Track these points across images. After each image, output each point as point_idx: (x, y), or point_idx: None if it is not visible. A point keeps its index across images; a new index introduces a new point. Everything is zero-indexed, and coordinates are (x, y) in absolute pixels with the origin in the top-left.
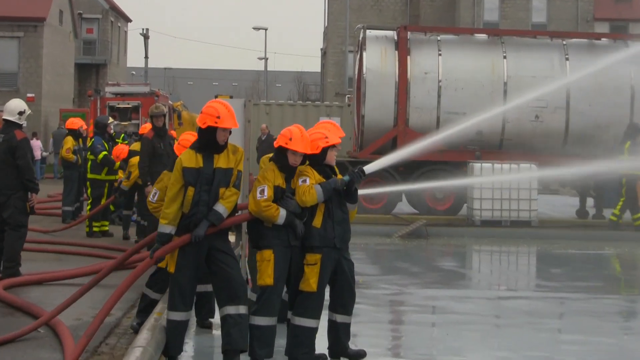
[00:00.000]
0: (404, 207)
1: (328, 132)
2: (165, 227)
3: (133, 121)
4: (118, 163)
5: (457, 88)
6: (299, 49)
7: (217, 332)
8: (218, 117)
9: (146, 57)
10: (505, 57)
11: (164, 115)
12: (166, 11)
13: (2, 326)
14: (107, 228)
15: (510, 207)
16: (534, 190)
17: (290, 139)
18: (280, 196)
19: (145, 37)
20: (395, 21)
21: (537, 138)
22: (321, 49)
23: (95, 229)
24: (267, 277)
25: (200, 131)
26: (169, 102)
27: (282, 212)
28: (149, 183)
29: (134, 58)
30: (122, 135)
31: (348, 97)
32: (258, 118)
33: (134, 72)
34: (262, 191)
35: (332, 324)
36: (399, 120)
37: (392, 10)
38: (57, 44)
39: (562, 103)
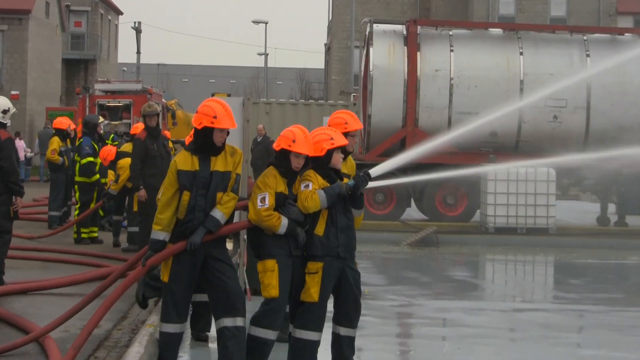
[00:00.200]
0: (412, 213)
1: (334, 132)
2: (159, 233)
3: (124, 121)
4: (97, 167)
5: (470, 86)
6: (302, 44)
7: (213, 346)
8: (215, 117)
9: (138, 52)
10: (521, 54)
11: (158, 115)
12: (160, 3)
13: None
14: (96, 234)
15: (526, 213)
16: (552, 195)
17: (294, 141)
18: (282, 203)
19: (138, 31)
20: (404, 15)
21: (555, 140)
22: (325, 45)
23: (83, 235)
24: (272, 288)
25: (196, 132)
26: (163, 100)
27: (284, 222)
28: (141, 187)
29: (126, 53)
30: (112, 135)
31: (353, 95)
32: (257, 118)
33: (125, 69)
34: (263, 199)
35: (335, 337)
36: (407, 120)
37: (400, 3)
38: (43, 38)
39: (583, 102)
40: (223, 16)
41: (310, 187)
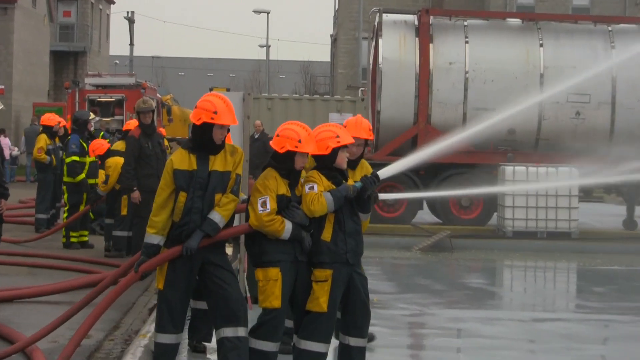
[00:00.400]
0: (425, 215)
1: (340, 129)
2: (153, 237)
3: (116, 117)
4: (86, 167)
5: (487, 80)
6: (306, 35)
7: (212, 357)
8: (215, 113)
9: (131, 44)
10: (541, 45)
11: (153, 112)
12: None
13: None
14: (86, 238)
15: (547, 216)
16: (575, 197)
17: (300, 141)
18: (285, 206)
19: (131, 21)
20: (416, 4)
21: (578, 138)
22: (331, 36)
23: (73, 239)
24: (274, 299)
25: (194, 128)
26: (158, 95)
27: (288, 226)
28: (134, 188)
29: (118, 45)
30: (102, 133)
31: (362, 90)
32: (259, 114)
33: (117, 61)
34: (264, 203)
35: (344, 348)
36: (419, 117)
37: None
38: (29, 29)
39: (607, 98)
40: (222, 5)
41: (316, 189)
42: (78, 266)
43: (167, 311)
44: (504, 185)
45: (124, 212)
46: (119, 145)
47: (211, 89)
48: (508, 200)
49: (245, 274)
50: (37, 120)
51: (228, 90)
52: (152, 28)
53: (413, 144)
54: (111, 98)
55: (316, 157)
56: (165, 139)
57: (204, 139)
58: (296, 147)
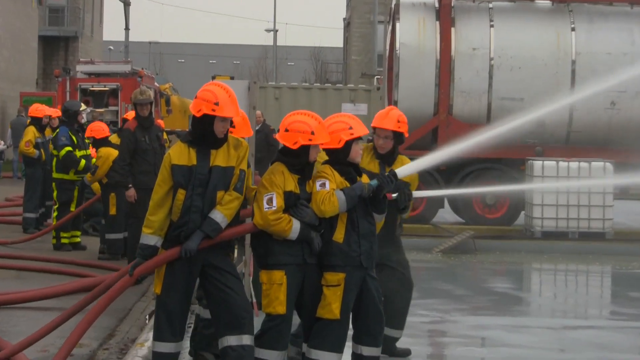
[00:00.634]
0: (446, 214)
1: (353, 120)
2: (150, 237)
3: (110, 108)
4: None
5: (514, 68)
6: (317, 19)
7: None
8: (216, 104)
9: (127, 28)
10: (573, 29)
11: (151, 103)
12: None
13: None
14: (78, 239)
15: (579, 215)
16: (609, 194)
17: (313, 133)
18: (293, 204)
19: (126, 3)
20: None
21: (613, 130)
22: (344, 19)
23: (64, 240)
24: (278, 304)
25: (194, 121)
26: (155, 84)
27: (296, 226)
28: (130, 185)
29: (112, 30)
30: None
31: (377, 78)
32: (265, 104)
33: (111, 47)
34: (270, 200)
35: (357, 358)
36: (440, 107)
37: None
38: (16, 13)
39: None
40: None
41: (328, 187)
42: (70, 269)
43: (165, 318)
44: (532, 182)
45: (112, 211)
46: (114, 138)
47: (213, 77)
48: (536, 198)
49: (251, 278)
50: (24, 112)
51: (232, 78)
52: (150, 11)
53: (433, 137)
54: (105, 87)
55: (328, 151)
56: (164, 132)
57: (204, 132)
58: (310, 140)
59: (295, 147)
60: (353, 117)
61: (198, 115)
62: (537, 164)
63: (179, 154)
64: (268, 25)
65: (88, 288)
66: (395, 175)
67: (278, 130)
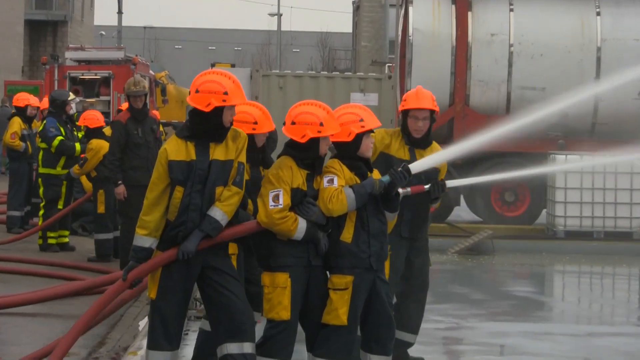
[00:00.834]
0: (462, 213)
1: (364, 112)
2: (144, 239)
3: (102, 97)
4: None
5: (535, 55)
6: (324, 2)
7: None
8: (225, 93)
9: (120, 12)
10: (598, 14)
11: (146, 95)
12: None
13: None
14: (66, 239)
15: (604, 214)
16: (637, 191)
17: (322, 124)
18: (300, 201)
19: None
20: None
21: None
22: (353, 3)
23: (51, 240)
24: (282, 309)
25: (197, 115)
26: (150, 72)
27: (302, 225)
28: (119, 182)
29: (104, 14)
30: None
31: (388, 66)
32: (269, 94)
33: (103, 32)
34: (276, 197)
35: None
36: (456, 97)
37: None
38: None
39: None
40: None
41: (336, 183)
42: (58, 272)
43: (160, 325)
44: (554, 177)
45: (100, 209)
46: (108, 130)
47: (213, 65)
48: (559, 195)
49: None
50: (8, 101)
51: (233, 66)
52: None
53: (449, 129)
54: (96, 75)
55: (337, 145)
56: (160, 124)
57: (213, 125)
58: (319, 132)
59: (304, 140)
60: (364, 108)
61: (208, 109)
62: (560, 158)
63: (176, 149)
64: (272, 8)
65: (77, 292)
66: (408, 170)
67: (284, 123)
